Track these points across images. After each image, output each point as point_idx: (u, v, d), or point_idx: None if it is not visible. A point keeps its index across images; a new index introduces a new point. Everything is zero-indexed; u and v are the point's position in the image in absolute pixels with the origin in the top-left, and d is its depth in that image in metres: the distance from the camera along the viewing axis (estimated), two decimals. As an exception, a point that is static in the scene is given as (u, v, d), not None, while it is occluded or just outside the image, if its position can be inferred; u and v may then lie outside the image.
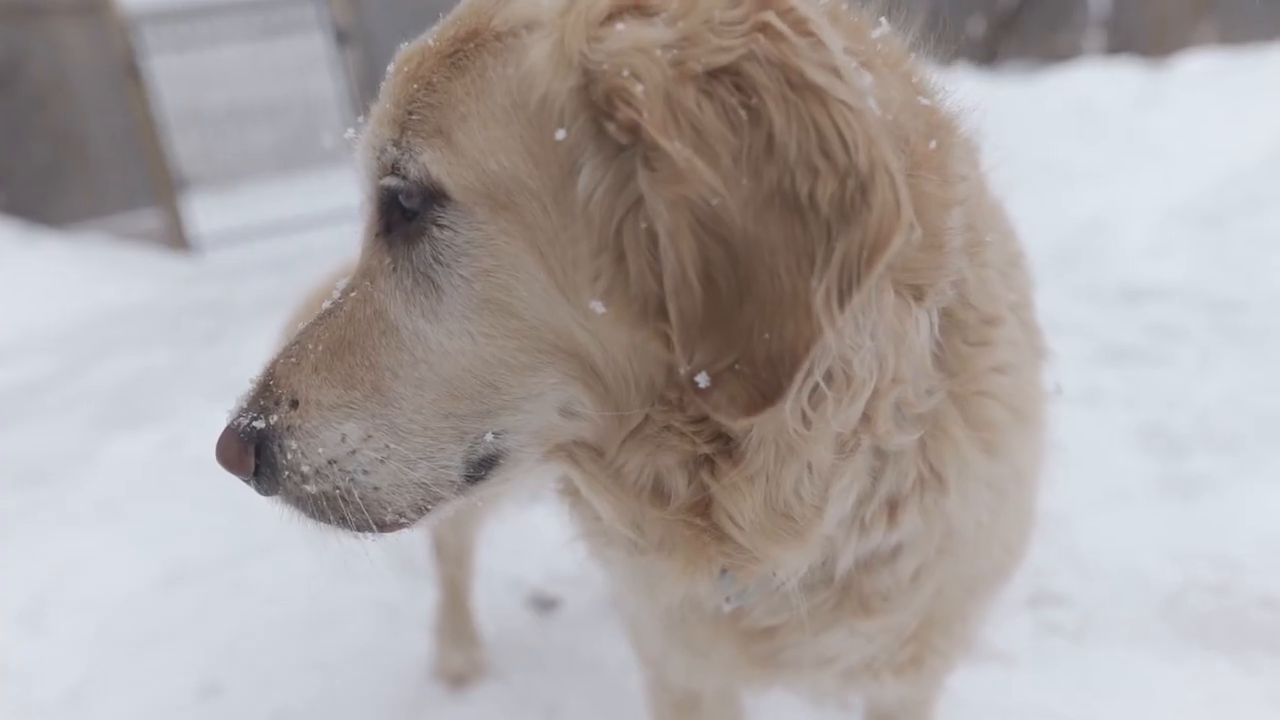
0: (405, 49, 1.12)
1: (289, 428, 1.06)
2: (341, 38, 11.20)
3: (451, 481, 1.08)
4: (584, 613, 3.01)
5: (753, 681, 1.50)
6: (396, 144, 1.04)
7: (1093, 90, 6.96)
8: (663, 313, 0.94)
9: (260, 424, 1.07)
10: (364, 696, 2.71)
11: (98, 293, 8.35)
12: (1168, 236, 4.26)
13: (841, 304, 0.88)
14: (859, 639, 1.30)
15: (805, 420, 0.99)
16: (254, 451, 1.06)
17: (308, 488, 1.06)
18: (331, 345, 1.08)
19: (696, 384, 0.93)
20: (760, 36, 0.89)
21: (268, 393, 1.09)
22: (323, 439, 1.05)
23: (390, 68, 1.13)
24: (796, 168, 0.86)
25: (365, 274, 1.12)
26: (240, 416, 1.09)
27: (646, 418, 1.03)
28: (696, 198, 0.87)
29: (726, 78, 0.88)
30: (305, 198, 11.05)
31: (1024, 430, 1.23)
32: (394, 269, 1.07)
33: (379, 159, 1.07)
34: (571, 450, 1.10)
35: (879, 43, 1.06)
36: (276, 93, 11.79)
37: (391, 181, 1.05)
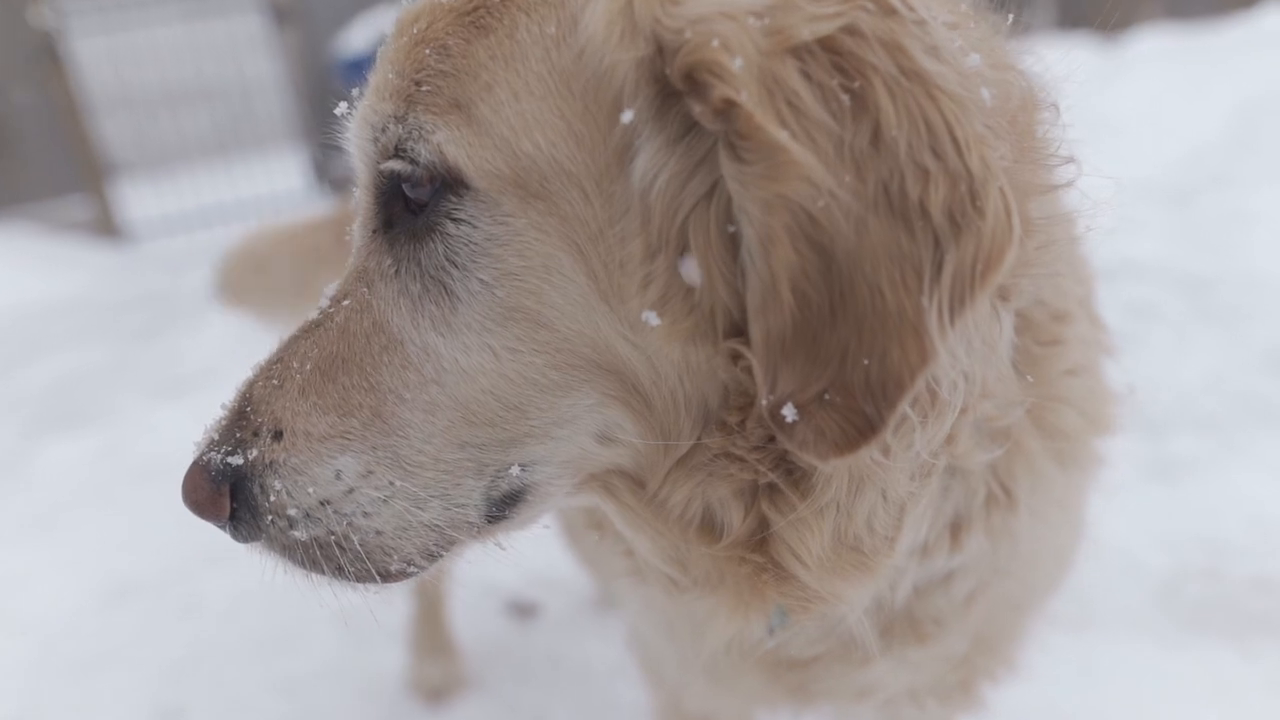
0: (408, 7, 0.95)
1: (272, 464, 0.90)
2: (280, 17, 10.76)
3: (469, 523, 0.93)
4: (565, 617, 2.89)
5: (779, 709, 1.38)
6: (400, 120, 0.87)
7: (1045, 68, 6.91)
8: (734, 329, 0.80)
9: (237, 460, 0.90)
10: (335, 716, 2.55)
11: (23, 286, 7.89)
12: (1136, 215, 4.25)
13: (952, 323, 0.75)
14: (906, 667, 1.18)
15: (885, 448, 0.85)
16: (229, 492, 0.90)
17: (296, 534, 0.90)
18: (322, 364, 0.92)
19: (781, 417, 0.78)
20: (867, 5, 0.75)
21: (244, 421, 0.92)
22: (313, 476, 0.90)
23: (390, 30, 0.96)
24: (906, 168, 0.73)
25: (361, 278, 0.95)
26: (211, 450, 0.92)
27: (697, 443, 0.89)
28: (801, 197, 0.72)
29: (825, 54, 0.74)
30: (246, 183, 10.63)
31: (1097, 438, 1.11)
32: (397, 272, 0.91)
33: (378, 140, 0.90)
34: (607, 480, 0.95)
35: (965, 8, 0.91)
36: (212, 75, 11.28)
37: (395, 166, 0.88)
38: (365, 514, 0.90)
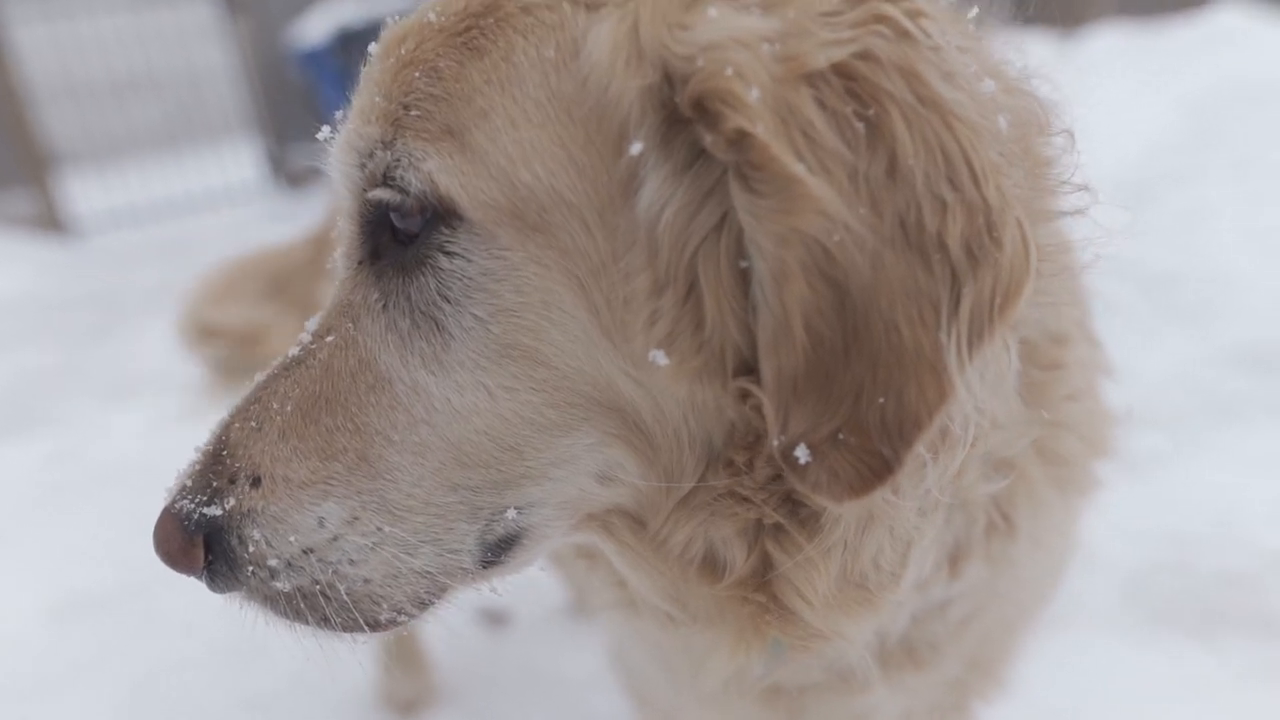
0: (394, 27, 0.89)
1: (250, 512, 0.85)
2: (232, 6, 10.47)
3: (463, 569, 0.88)
4: (538, 625, 2.84)
5: None
6: (388, 146, 0.82)
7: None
8: (744, 367, 0.77)
9: (214, 510, 0.85)
10: (304, 734, 2.49)
11: (-36, 284, 7.62)
12: (1097, 212, 4.29)
13: (970, 359, 0.73)
14: (903, 693, 1.16)
15: (897, 487, 0.82)
16: (204, 543, 0.85)
17: (278, 584, 0.86)
18: (303, 404, 0.87)
19: (794, 459, 0.75)
20: (882, 30, 0.72)
21: (220, 466, 0.87)
22: (294, 524, 0.85)
23: (374, 51, 0.90)
24: (923, 199, 0.70)
25: (345, 312, 0.90)
26: (183, 498, 0.87)
27: (700, 483, 0.85)
28: (816, 231, 0.69)
29: (839, 80, 0.71)
30: (197, 175, 10.37)
31: (1096, 461, 1.10)
32: (385, 307, 0.87)
33: (364, 167, 0.85)
34: (606, 520, 0.92)
35: (974, 30, 0.88)
36: (160, 64, 10.96)
37: (384, 195, 0.83)
38: (352, 562, 0.86)
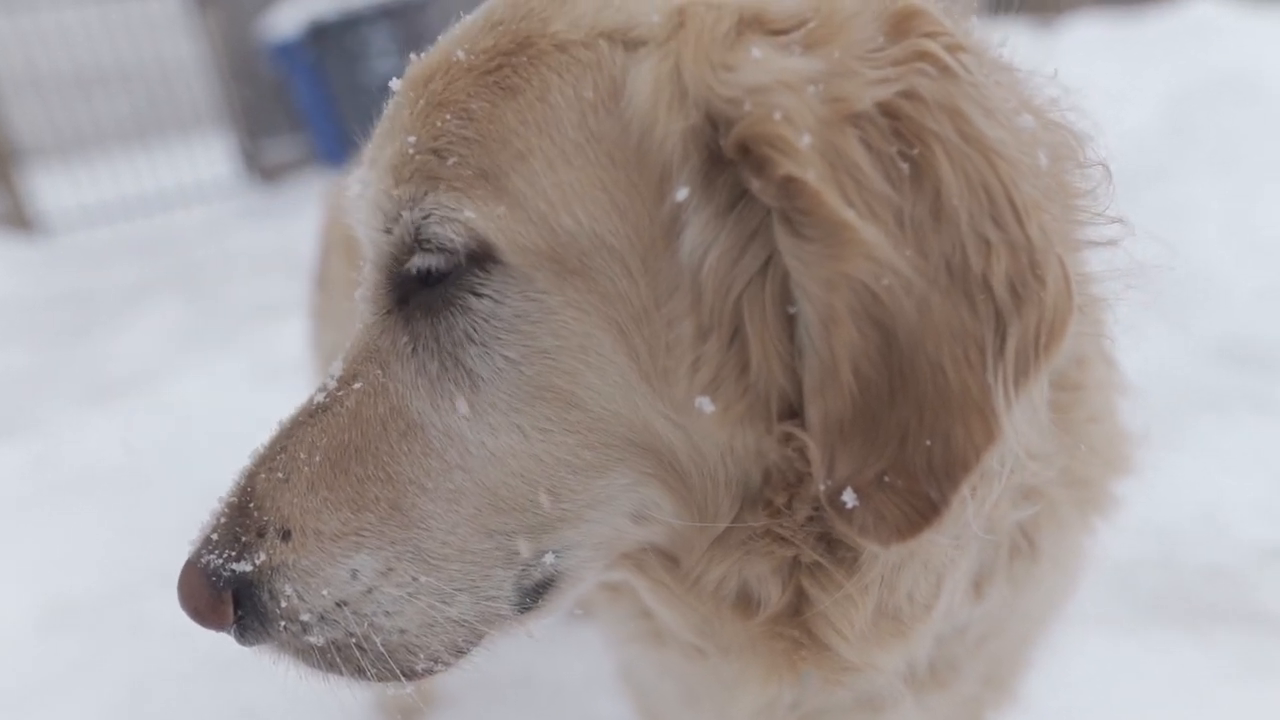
0: (417, 65, 0.87)
1: (280, 567, 0.84)
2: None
3: (500, 615, 0.88)
4: (537, 629, 2.83)
5: None
6: (415, 203, 0.80)
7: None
8: (788, 411, 0.77)
9: (242, 565, 0.84)
10: (299, 743, 2.46)
11: (-70, 284, 7.46)
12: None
13: (1016, 398, 0.73)
14: (923, 713, 1.16)
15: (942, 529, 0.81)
16: (233, 598, 0.84)
17: (311, 639, 0.84)
18: (332, 454, 0.86)
19: (841, 503, 0.75)
20: (924, 68, 0.72)
21: (247, 519, 0.85)
22: (327, 578, 0.84)
23: (395, 90, 0.88)
24: (968, 239, 0.70)
25: (372, 358, 0.88)
26: (209, 552, 0.85)
27: (735, 522, 0.85)
28: (865, 275, 0.69)
29: (884, 120, 0.71)
30: (169, 171, 10.20)
31: (1116, 481, 1.11)
32: (414, 351, 0.85)
33: (393, 227, 0.83)
34: (640, 558, 0.92)
35: (1004, 58, 0.88)
36: (128, 56, 10.74)
37: (426, 261, 0.82)
38: (387, 613, 0.85)
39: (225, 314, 5.84)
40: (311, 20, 8.72)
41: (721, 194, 0.75)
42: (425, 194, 0.80)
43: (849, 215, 0.69)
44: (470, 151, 0.79)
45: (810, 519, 0.84)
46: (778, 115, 0.70)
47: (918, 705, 1.13)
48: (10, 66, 10.21)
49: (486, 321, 0.81)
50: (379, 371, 0.87)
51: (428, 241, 0.81)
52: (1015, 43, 0.96)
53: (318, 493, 0.85)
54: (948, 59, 0.73)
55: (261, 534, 0.84)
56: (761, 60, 0.72)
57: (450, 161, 0.79)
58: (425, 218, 0.80)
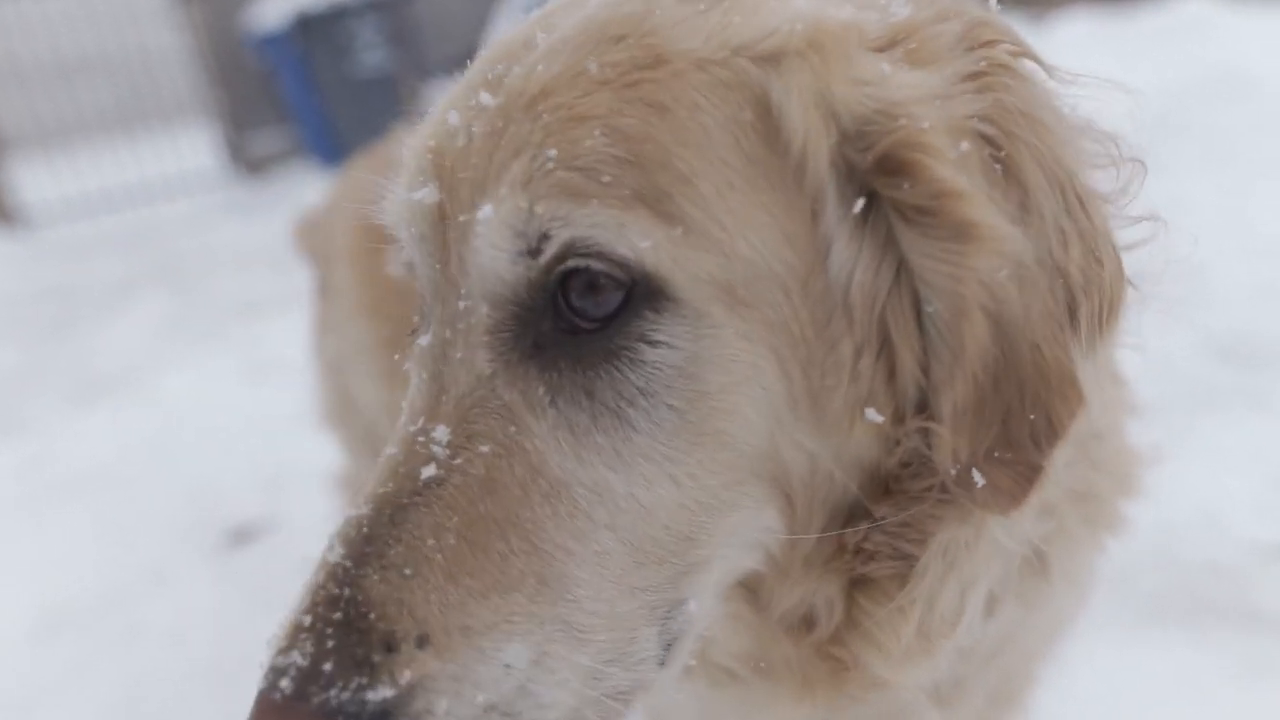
0: (522, 75, 0.79)
1: (424, 680, 0.69)
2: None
3: (648, 679, 0.81)
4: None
5: None
6: (567, 223, 0.73)
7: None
8: (920, 408, 0.81)
9: (380, 692, 0.68)
10: (299, 749, 2.44)
11: (-90, 279, 7.34)
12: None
13: (1089, 368, 0.81)
14: None
15: (980, 528, 0.87)
16: None
17: None
18: (468, 533, 0.74)
19: (972, 482, 0.79)
20: (1004, 77, 0.78)
21: (368, 633, 0.70)
22: (478, 680, 0.71)
23: (500, 101, 0.79)
24: (1051, 231, 0.77)
25: (496, 414, 0.78)
26: (330, 686, 0.68)
27: (819, 541, 0.87)
28: (991, 270, 0.74)
29: (983, 127, 0.77)
30: (152, 162, 10.07)
31: (1124, 501, 1.10)
32: (552, 402, 0.77)
33: (534, 249, 0.75)
34: (730, 590, 0.90)
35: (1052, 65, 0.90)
36: (111, 45, 10.59)
37: (578, 300, 0.75)
38: (540, 706, 0.74)
39: (211, 309, 5.78)
40: (298, 12, 8.63)
41: (854, 209, 0.77)
42: (577, 212, 0.73)
43: (989, 214, 0.74)
44: (623, 172, 0.73)
45: (902, 525, 0.86)
46: (925, 124, 0.74)
47: None
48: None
49: (659, 371, 0.75)
50: (510, 429, 0.77)
51: (583, 271, 0.74)
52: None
53: (459, 582, 0.72)
54: (1017, 65, 0.80)
55: (392, 647, 0.69)
56: (892, 75, 0.76)
57: (605, 179, 0.73)
58: (581, 240, 0.73)
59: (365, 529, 0.75)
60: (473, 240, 0.78)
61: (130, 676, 2.70)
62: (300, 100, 9.10)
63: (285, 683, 0.68)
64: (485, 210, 0.76)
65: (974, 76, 0.78)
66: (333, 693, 0.68)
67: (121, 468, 3.81)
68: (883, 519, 0.85)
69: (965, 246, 0.74)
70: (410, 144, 0.90)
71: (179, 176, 10.00)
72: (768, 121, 0.76)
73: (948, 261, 0.75)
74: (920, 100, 0.75)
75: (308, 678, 0.68)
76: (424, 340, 0.84)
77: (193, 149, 10.38)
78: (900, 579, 0.86)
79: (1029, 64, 0.81)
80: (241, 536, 3.27)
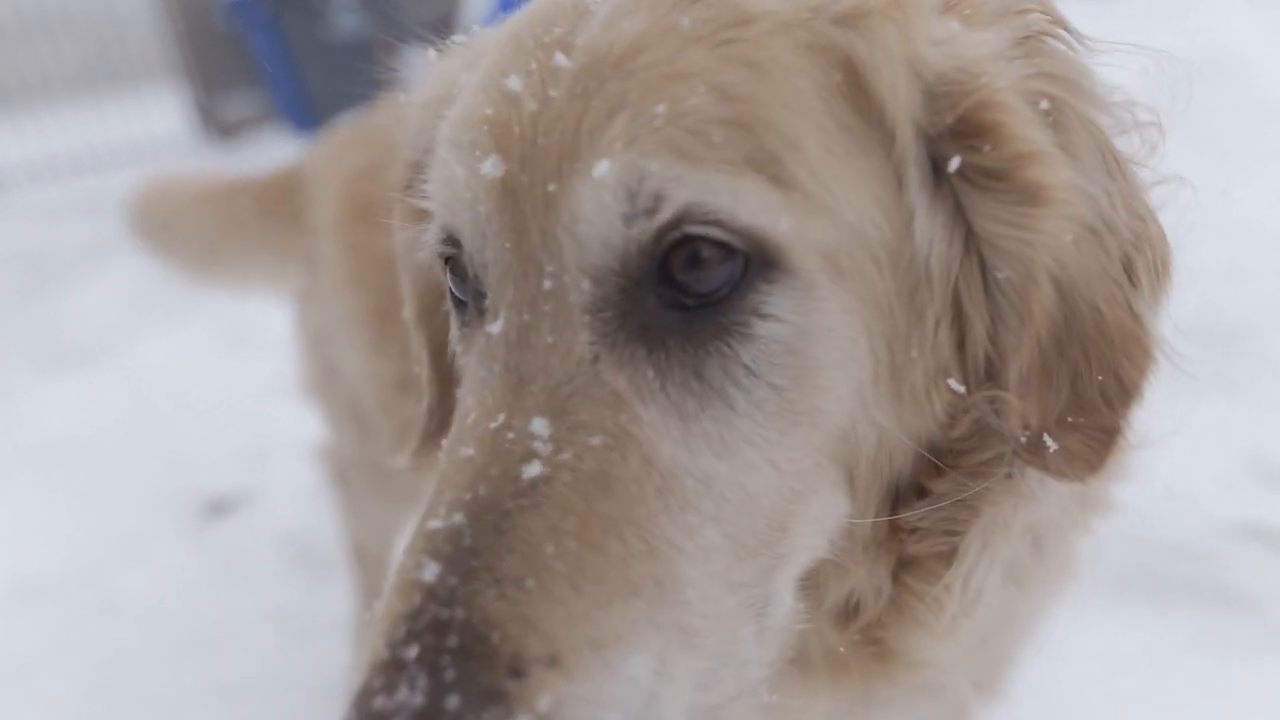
0: (607, 30, 0.73)
1: (559, 704, 0.61)
2: (152, -59, 9.85)
3: (754, 681, 0.77)
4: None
5: None
6: (682, 182, 0.67)
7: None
8: (988, 376, 0.81)
9: None
10: (277, 720, 2.44)
11: None
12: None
13: (1155, 323, 0.82)
14: (909, 714, 1.17)
15: (1020, 496, 0.88)
16: None
17: None
18: (587, 535, 0.66)
19: (1045, 447, 0.78)
20: (1048, 44, 0.79)
21: (491, 658, 0.60)
22: (609, 698, 0.63)
23: (590, 60, 0.72)
24: (1098, 192, 0.78)
25: (603, 403, 0.71)
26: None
27: (874, 525, 0.87)
28: (1058, 233, 0.74)
29: (1036, 90, 0.77)
30: (120, 124, 9.84)
31: (1113, 484, 1.12)
32: (662, 387, 0.71)
33: (638, 209, 0.69)
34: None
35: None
36: (75, 3, 10.29)
37: (689, 273, 0.70)
38: None
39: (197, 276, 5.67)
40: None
41: (928, 175, 0.76)
42: (691, 174, 0.68)
43: (1063, 177, 0.73)
44: (732, 134, 0.68)
45: (957, 505, 0.85)
46: (1002, 84, 0.73)
47: (906, 706, 1.13)
48: (-52, 11, 9.75)
49: (768, 347, 0.71)
50: (620, 417, 0.70)
51: (693, 240, 0.69)
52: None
53: (584, 591, 0.64)
54: (1059, 33, 0.81)
55: (520, 671, 0.60)
56: (963, 34, 0.75)
57: (715, 140, 0.68)
58: (698, 205, 0.68)
59: (467, 541, 0.65)
60: (573, 206, 0.71)
61: (106, 649, 2.69)
62: (273, 64, 8.89)
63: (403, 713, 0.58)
64: (601, 167, 0.69)
65: (1022, 41, 0.78)
66: None
67: (95, 437, 3.76)
68: (943, 496, 0.84)
69: (1036, 210, 0.73)
70: (456, 116, 0.82)
71: (148, 140, 9.78)
72: (856, 84, 0.74)
73: (1019, 226, 0.74)
74: (993, 59, 0.75)
75: (440, 711, 0.58)
76: (494, 328, 0.75)
77: (161, 112, 10.14)
78: (946, 558, 0.88)
79: (1066, 33, 0.82)
80: (218, 509, 3.24)
